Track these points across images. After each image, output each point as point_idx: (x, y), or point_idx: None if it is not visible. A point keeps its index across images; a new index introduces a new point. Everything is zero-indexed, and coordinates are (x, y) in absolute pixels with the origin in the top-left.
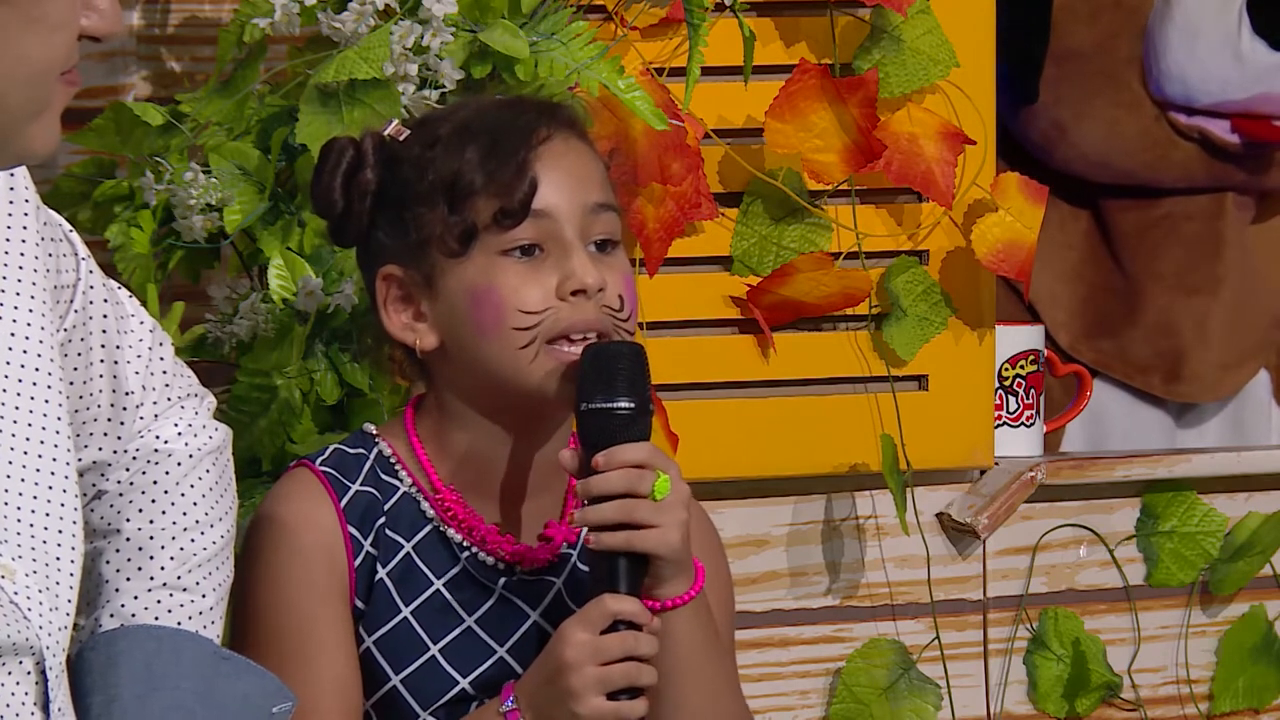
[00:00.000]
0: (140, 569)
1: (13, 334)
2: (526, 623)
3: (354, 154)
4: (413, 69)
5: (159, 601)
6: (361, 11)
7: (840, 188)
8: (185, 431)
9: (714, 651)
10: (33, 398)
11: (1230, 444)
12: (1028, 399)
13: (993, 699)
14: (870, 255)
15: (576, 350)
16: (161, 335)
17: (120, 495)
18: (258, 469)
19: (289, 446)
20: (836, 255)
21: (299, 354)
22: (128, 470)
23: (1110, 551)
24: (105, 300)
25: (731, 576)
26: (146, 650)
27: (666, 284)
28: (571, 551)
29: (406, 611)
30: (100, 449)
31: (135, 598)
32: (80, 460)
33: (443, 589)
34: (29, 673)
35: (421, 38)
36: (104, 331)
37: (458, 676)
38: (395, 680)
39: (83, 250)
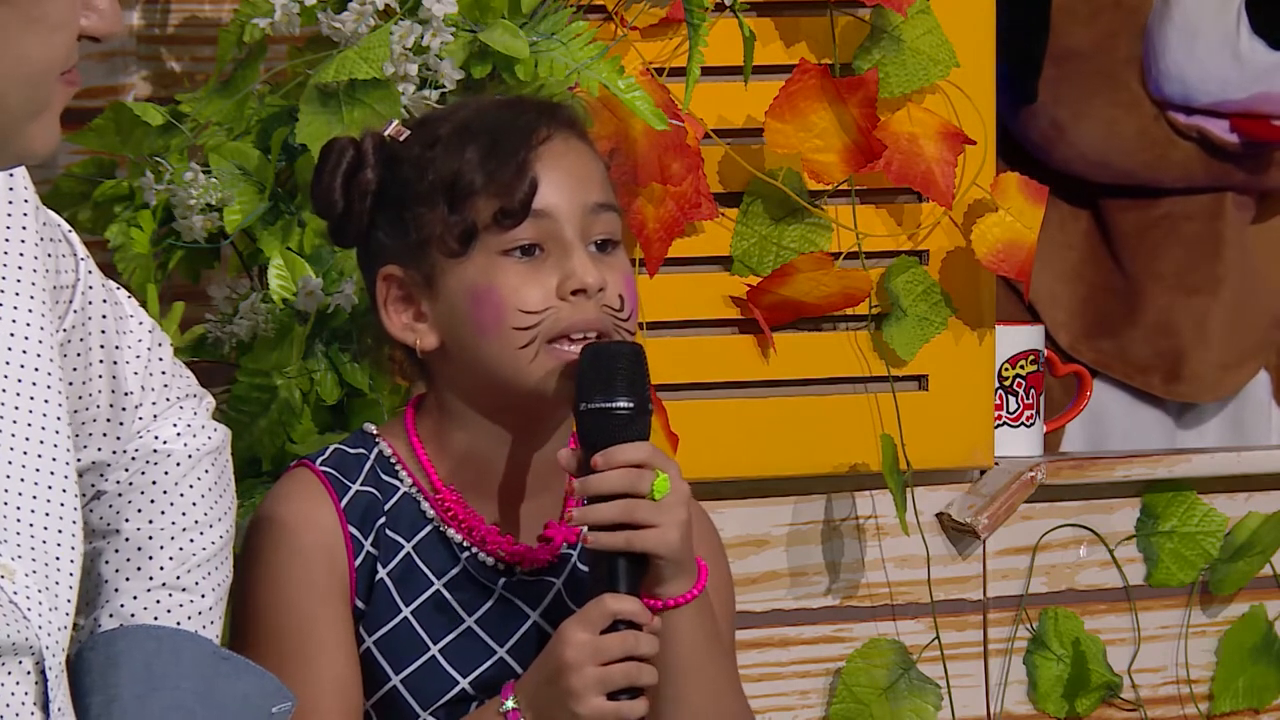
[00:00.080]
0: (139, 569)
1: (12, 334)
2: (526, 623)
3: (354, 154)
4: (413, 69)
5: (158, 601)
6: (361, 11)
7: (840, 188)
8: (184, 432)
9: (715, 651)
10: (32, 398)
11: (1230, 444)
12: (1028, 399)
13: (993, 699)
14: (870, 255)
15: (576, 349)
16: (161, 336)
17: (119, 495)
18: (258, 469)
19: (289, 446)
20: (836, 255)
21: (299, 354)
22: (127, 470)
23: (1110, 551)
24: (104, 301)
25: (732, 576)
26: (146, 650)
27: (666, 284)
28: (571, 551)
29: (406, 612)
30: (99, 449)
31: (135, 598)
32: (79, 460)
33: (443, 589)
34: (29, 673)
35: (421, 38)
36: (103, 332)
37: (458, 677)
38: (395, 680)
39: (82, 251)
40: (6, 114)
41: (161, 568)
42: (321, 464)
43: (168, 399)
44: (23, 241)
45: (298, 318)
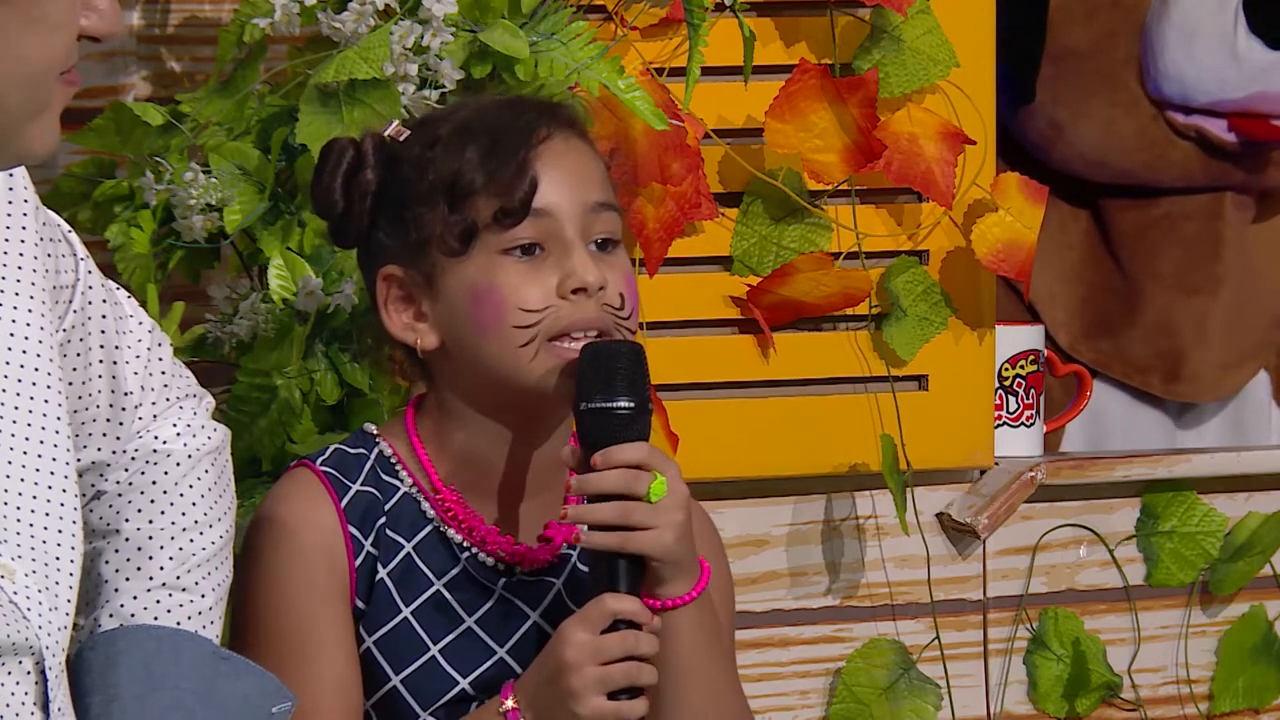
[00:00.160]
0: (139, 569)
1: (12, 334)
2: (526, 623)
3: (354, 154)
4: (413, 69)
5: (158, 601)
6: (361, 11)
7: (840, 188)
8: (184, 432)
9: (715, 651)
10: (32, 398)
11: (1230, 444)
12: (1028, 399)
13: (993, 699)
14: (870, 255)
15: (577, 348)
16: (160, 336)
17: (119, 495)
18: (258, 469)
19: (289, 446)
20: (836, 255)
21: (299, 354)
22: (127, 470)
23: (1110, 551)
24: (104, 301)
25: (732, 576)
26: (146, 650)
27: (666, 284)
28: (571, 552)
29: (407, 612)
30: (99, 449)
31: (134, 598)
32: (79, 460)
33: (443, 589)
34: (29, 673)
35: (421, 38)
36: (103, 332)
37: (458, 677)
38: (395, 680)
39: (81, 251)
40: (6, 114)
41: (161, 568)
42: (322, 464)
43: (168, 399)
44: (22, 242)
45: (298, 318)
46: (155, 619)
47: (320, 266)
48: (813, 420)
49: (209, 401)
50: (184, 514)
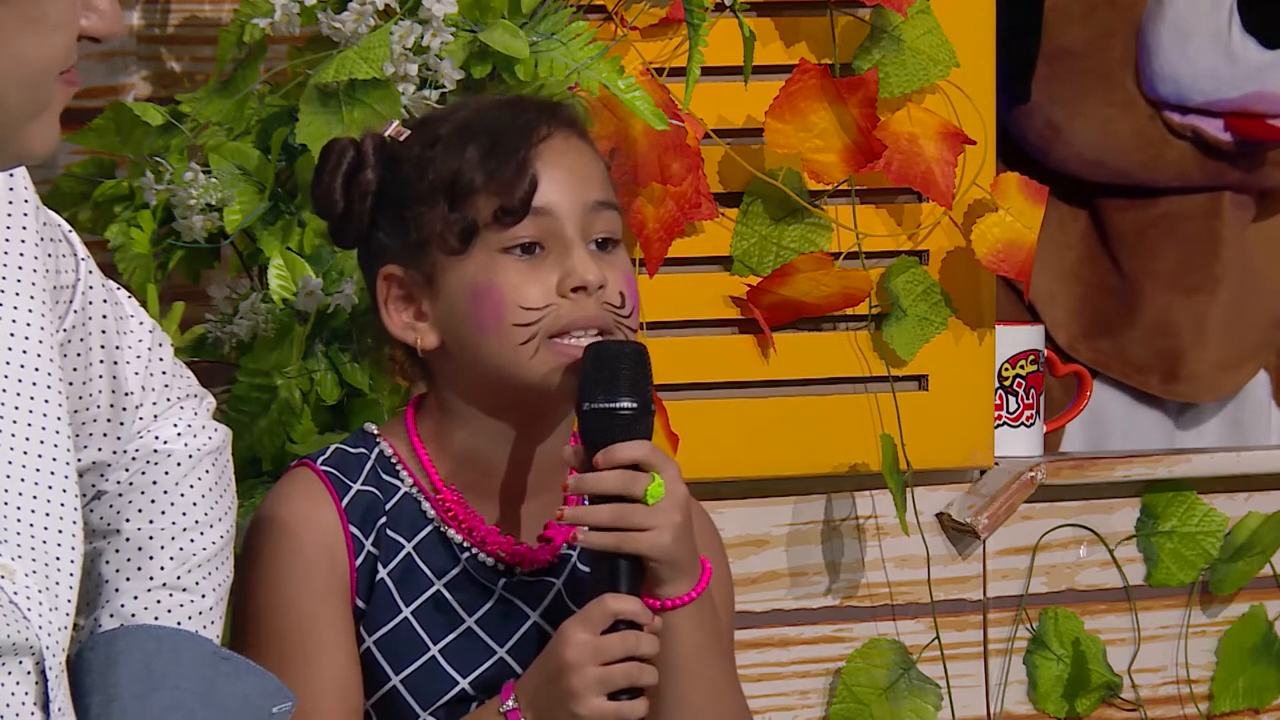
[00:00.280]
0: (140, 569)
1: (12, 334)
2: (526, 623)
3: (354, 154)
4: (413, 69)
5: (159, 601)
6: (361, 11)
7: (840, 188)
8: (185, 432)
9: (716, 651)
10: (32, 398)
11: (1230, 444)
12: (1028, 399)
13: (993, 699)
14: (870, 255)
15: (578, 344)
16: (161, 336)
17: (120, 495)
18: (258, 469)
19: (289, 446)
20: (836, 255)
21: (299, 354)
22: (127, 470)
23: (1110, 551)
24: (105, 301)
25: (732, 576)
26: (146, 650)
27: (666, 284)
28: (571, 552)
29: (407, 612)
30: (100, 449)
31: (135, 598)
32: (80, 460)
33: (443, 589)
34: (29, 673)
35: (421, 38)
36: (103, 332)
37: (458, 677)
38: (395, 680)
39: (82, 251)
40: (6, 114)
41: (162, 568)
42: (322, 464)
43: (168, 399)
44: (23, 242)
45: (298, 318)
46: (156, 619)
47: (320, 266)
48: (813, 420)
49: (210, 402)
50: (184, 514)
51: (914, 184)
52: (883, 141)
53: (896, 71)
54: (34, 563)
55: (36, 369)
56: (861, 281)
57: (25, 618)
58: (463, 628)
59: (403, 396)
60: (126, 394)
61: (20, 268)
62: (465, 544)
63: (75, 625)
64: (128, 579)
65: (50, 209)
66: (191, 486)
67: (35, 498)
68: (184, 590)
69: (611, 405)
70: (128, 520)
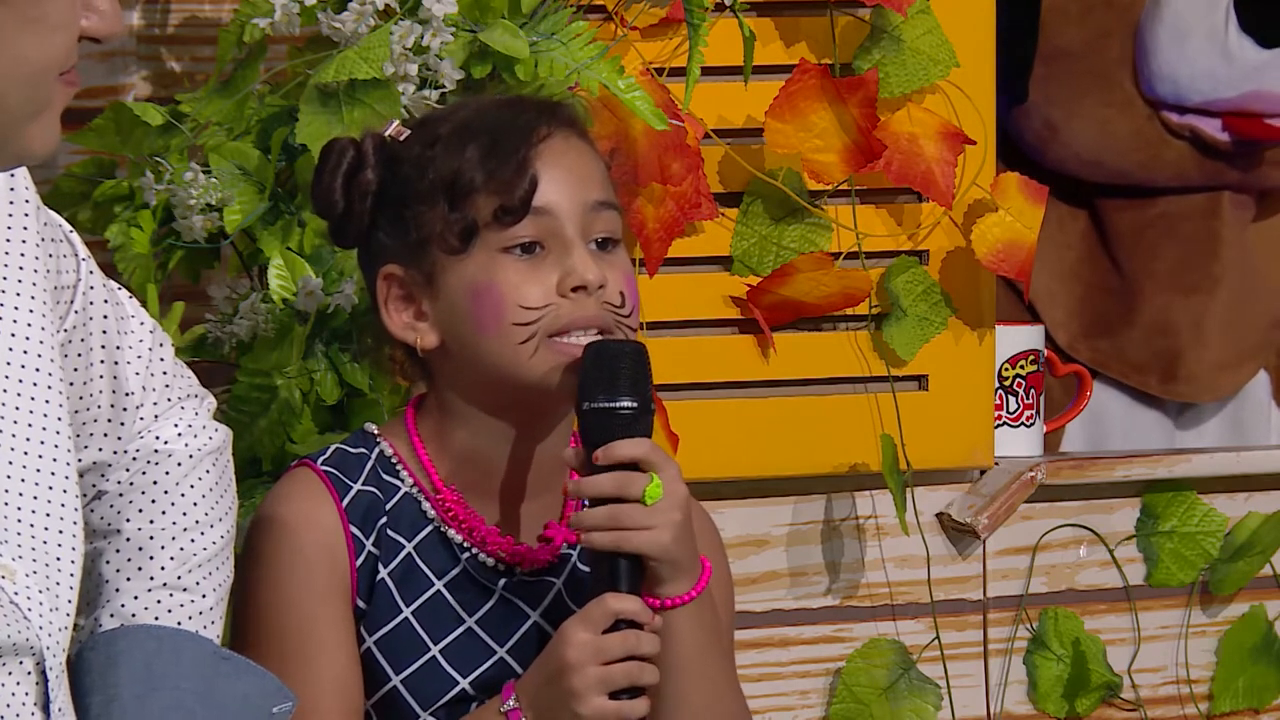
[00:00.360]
0: (140, 569)
1: (13, 335)
2: (527, 623)
3: (354, 154)
4: (413, 69)
5: (159, 601)
6: (361, 11)
7: (840, 188)
8: (185, 432)
9: (715, 651)
10: (33, 398)
11: (1230, 444)
12: (1028, 399)
13: (993, 699)
14: (870, 255)
15: (577, 344)
16: (162, 336)
17: (120, 495)
18: (258, 469)
19: (289, 446)
20: (836, 255)
21: (299, 354)
22: (128, 471)
23: (1110, 551)
24: (105, 301)
25: (732, 576)
26: (146, 650)
27: (666, 284)
28: (571, 552)
29: (407, 612)
30: (100, 449)
31: (135, 598)
32: (80, 461)
33: (443, 589)
34: (29, 673)
35: (421, 38)
36: (104, 332)
37: (458, 677)
38: (395, 680)
39: (83, 251)
40: (6, 114)
41: (162, 568)
42: (323, 464)
43: (169, 399)
44: (24, 242)
45: (298, 318)
46: (156, 619)
47: (320, 266)
48: (813, 420)
49: (210, 402)
50: (185, 514)
51: (914, 184)
52: (883, 141)
53: (896, 71)
54: (34, 563)
55: (37, 369)
56: (861, 281)
57: (26, 618)
58: (463, 628)
59: (403, 396)
60: (127, 394)
61: (21, 268)
62: (465, 544)
63: (75, 625)
64: (128, 579)
65: (50, 209)
66: (192, 486)
67: (36, 498)
68: (184, 590)
69: (611, 405)
70: (128, 520)
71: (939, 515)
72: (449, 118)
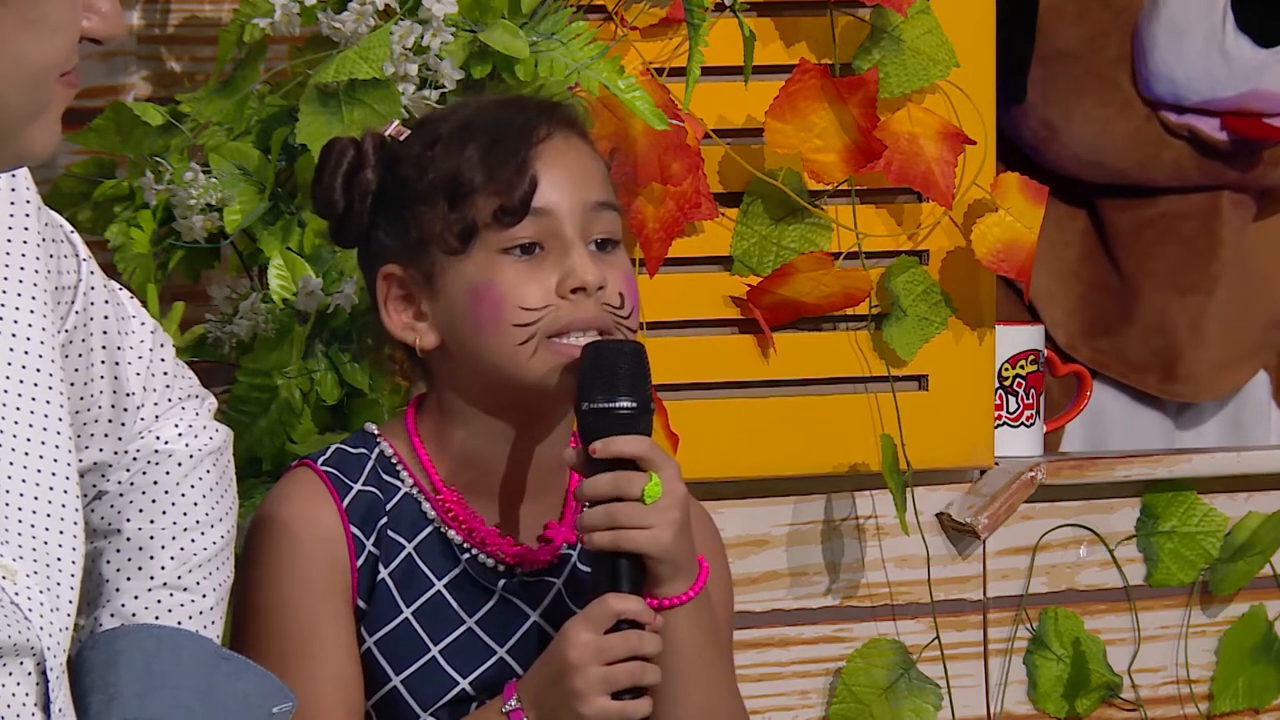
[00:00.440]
0: (141, 569)
1: (14, 335)
2: (527, 623)
3: (354, 154)
4: (413, 69)
5: (159, 601)
6: (361, 11)
7: (840, 188)
8: (186, 432)
9: (713, 651)
10: (34, 399)
11: (1229, 444)
12: (1028, 399)
13: (993, 699)
14: (870, 255)
15: (576, 344)
16: (163, 336)
17: (120, 495)
18: (258, 469)
19: (289, 446)
20: (836, 255)
21: (299, 354)
22: (128, 471)
23: (1110, 551)
24: (106, 301)
25: (731, 576)
26: (146, 649)
27: (666, 284)
28: (571, 552)
29: (408, 612)
30: (101, 450)
31: (135, 597)
32: (81, 461)
33: (443, 590)
34: (29, 673)
35: (421, 38)
36: (105, 333)
37: (458, 677)
38: (395, 681)
39: (84, 251)
40: (6, 115)
41: (163, 567)
42: (323, 464)
43: (169, 399)
44: (24, 243)
45: (298, 318)
46: (156, 618)
47: (320, 266)
48: (813, 420)
49: (211, 402)
50: (185, 514)
51: (914, 184)
52: (883, 141)
53: (896, 71)
54: (35, 564)
55: (38, 370)
56: (861, 281)
57: (26, 619)
58: (463, 628)
59: (403, 396)
60: (128, 394)
61: (22, 269)
62: (465, 545)
63: (76, 625)
64: (128, 578)
65: (50, 209)
66: (192, 486)
67: (36, 499)
68: (184, 590)
69: (610, 405)
70: (128, 520)
71: (939, 515)
72: (449, 118)
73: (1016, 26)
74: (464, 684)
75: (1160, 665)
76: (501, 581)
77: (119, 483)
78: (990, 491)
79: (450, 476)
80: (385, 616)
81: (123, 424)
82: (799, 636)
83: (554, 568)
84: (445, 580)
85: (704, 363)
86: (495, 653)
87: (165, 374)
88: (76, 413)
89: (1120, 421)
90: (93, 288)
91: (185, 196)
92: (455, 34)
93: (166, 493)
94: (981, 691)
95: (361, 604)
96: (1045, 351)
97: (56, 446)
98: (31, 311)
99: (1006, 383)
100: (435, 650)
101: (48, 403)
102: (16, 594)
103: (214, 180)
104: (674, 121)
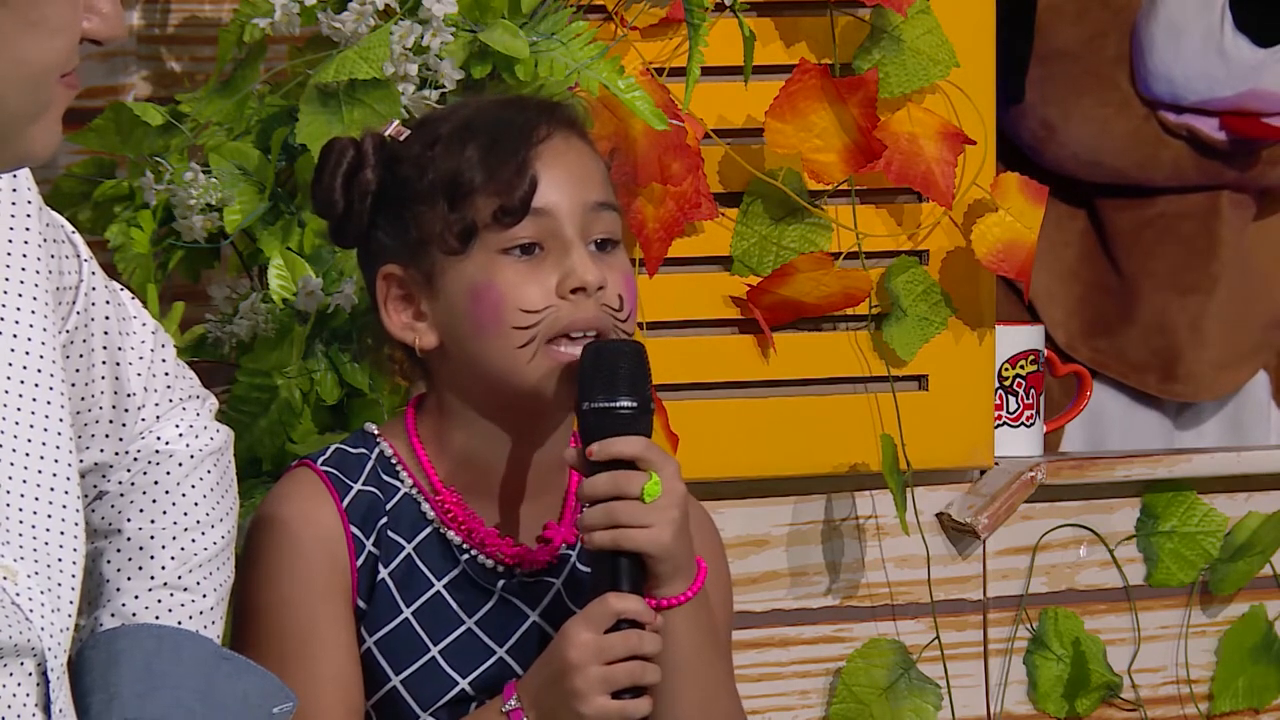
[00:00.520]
0: (141, 569)
1: (15, 336)
2: (526, 623)
3: (354, 154)
4: (413, 69)
5: (159, 601)
6: (361, 11)
7: (840, 188)
8: (186, 433)
9: (712, 651)
10: (34, 399)
11: (1230, 444)
12: (1028, 399)
13: (993, 699)
14: (870, 255)
15: (575, 350)
16: (163, 337)
17: (121, 496)
18: (258, 469)
19: (289, 446)
20: (836, 255)
21: (299, 354)
22: (129, 471)
23: (1110, 551)
24: (107, 302)
25: (731, 576)
26: (147, 649)
27: (666, 284)
28: (570, 552)
29: (407, 612)
30: (102, 450)
31: (136, 597)
32: (82, 461)
33: (443, 590)
34: (30, 674)
35: (421, 38)
36: (106, 333)
37: (458, 677)
38: (395, 681)
39: (85, 252)
40: (7, 116)
41: (163, 567)
42: (323, 464)
43: (170, 400)
44: (25, 243)
45: (298, 318)
46: (157, 618)
47: (320, 266)
48: (813, 420)
49: (212, 403)
50: (186, 514)
51: (914, 184)
52: (883, 141)
53: (896, 71)
54: (36, 564)
55: (39, 370)
56: (861, 281)
57: (27, 619)
58: (463, 628)
59: (403, 396)
60: (129, 395)
61: (23, 269)
62: (464, 546)
63: (76, 625)
64: (129, 578)
65: (51, 209)
66: (193, 487)
67: (37, 499)
68: (185, 590)
69: (610, 404)
70: (129, 520)
71: (939, 515)
72: (449, 118)
73: (1016, 26)
74: (464, 684)
75: (1160, 665)
76: (501, 582)
77: (120, 483)
78: (990, 491)
79: (449, 477)
80: (385, 616)
81: (123, 424)
82: (799, 636)
83: (553, 568)
84: (445, 580)
85: (704, 363)
86: (495, 653)
87: (166, 374)
88: (77, 413)
89: (1120, 421)
90: (94, 288)
91: (185, 196)
92: (455, 34)
93: (167, 493)
94: (981, 691)
95: (361, 604)
96: (1045, 351)
97: (57, 447)
98: (33, 312)
99: (1006, 383)
100: (435, 650)
101: (49, 403)
102: (17, 594)
103: (214, 180)
104: (674, 121)
